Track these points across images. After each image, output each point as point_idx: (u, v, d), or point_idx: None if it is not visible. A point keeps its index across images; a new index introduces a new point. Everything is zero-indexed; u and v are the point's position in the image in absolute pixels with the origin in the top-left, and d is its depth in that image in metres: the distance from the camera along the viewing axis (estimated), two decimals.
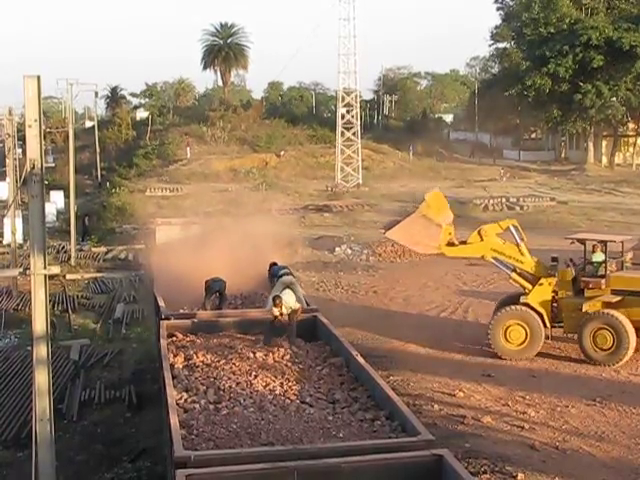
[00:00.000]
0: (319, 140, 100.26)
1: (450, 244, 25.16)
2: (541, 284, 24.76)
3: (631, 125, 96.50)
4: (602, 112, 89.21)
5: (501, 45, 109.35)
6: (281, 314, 19.59)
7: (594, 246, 25.06)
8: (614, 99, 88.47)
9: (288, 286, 20.68)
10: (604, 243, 25.08)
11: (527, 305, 24.48)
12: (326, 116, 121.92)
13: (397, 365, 23.22)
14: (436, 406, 19.65)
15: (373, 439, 13.67)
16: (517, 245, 24.95)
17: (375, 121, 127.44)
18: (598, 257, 24.86)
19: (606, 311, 23.59)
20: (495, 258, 25.10)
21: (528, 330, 24.09)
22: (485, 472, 15.71)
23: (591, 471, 16.27)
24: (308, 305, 21.54)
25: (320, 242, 43.95)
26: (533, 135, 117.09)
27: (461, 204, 60.71)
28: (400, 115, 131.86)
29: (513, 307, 24.71)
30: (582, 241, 25.67)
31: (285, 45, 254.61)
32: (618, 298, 23.78)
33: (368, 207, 61.59)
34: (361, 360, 17.06)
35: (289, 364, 17.92)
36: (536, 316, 24.18)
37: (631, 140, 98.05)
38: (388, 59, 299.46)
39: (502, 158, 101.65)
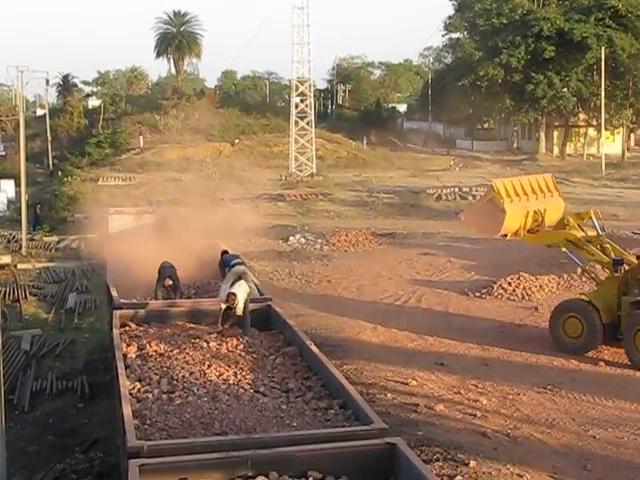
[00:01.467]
0: (273, 129, 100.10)
1: (534, 231, 24.97)
2: (606, 280, 24.02)
3: (582, 116, 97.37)
4: (554, 102, 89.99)
5: (454, 35, 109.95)
6: (234, 310, 19.50)
7: None
8: (565, 90, 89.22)
9: (240, 276, 20.61)
10: None
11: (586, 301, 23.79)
12: (280, 105, 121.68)
13: (351, 354, 23.25)
14: (389, 395, 19.71)
15: (326, 428, 13.70)
16: (598, 236, 24.23)
17: (329, 110, 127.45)
18: None
19: (638, 311, 22.39)
20: (569, 249, 24.64)
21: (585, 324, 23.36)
22: (438, 460, 15.79)
23: (542, 458, 16.42)
24: (262, 294, 21.51)
25: (274, 231, 43.93)
26: (486, 125, 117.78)
27: (414, 193, 61.04)
28: (354, 104, 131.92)
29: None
30: None
31: (239, 34, 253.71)
32: None
33: (322, 196, 61.62)
34: (315, 349, 17.08)
35: (243, 353, 17.90)
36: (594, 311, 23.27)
37: (582, 130, 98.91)
38: (342, 49, 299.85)
39: (455, 148, 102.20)
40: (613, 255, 23.63)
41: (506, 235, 25.47)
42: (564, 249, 24.60)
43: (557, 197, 25.57)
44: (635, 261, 23.26)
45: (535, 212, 24.71)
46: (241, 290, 19.74)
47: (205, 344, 18.24)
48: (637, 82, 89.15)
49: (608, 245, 24.04)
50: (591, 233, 24.42)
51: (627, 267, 23.29)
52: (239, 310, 19.45)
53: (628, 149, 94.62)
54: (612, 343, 23.35)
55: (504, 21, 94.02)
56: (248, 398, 15.16)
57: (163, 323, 20.14)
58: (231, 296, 19.44)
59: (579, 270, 31.40)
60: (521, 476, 15.42)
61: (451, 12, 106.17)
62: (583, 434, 17.65)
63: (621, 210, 53.13)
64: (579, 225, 24.71)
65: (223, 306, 19.50)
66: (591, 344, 23.35)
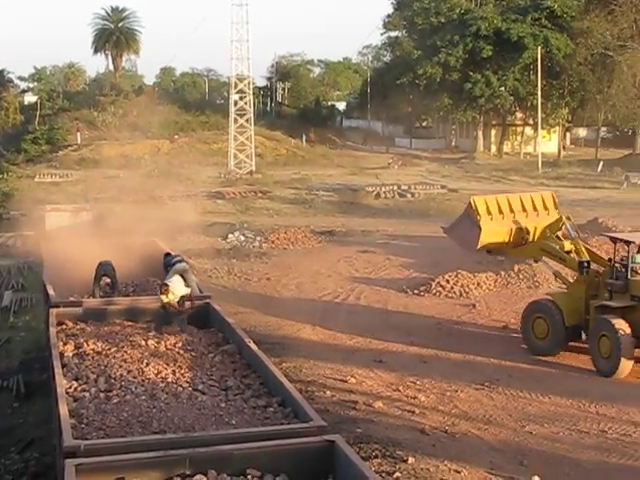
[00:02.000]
0: (212, 127, 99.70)
1: (521, 244, 25.08)
2: (574, 282, 23.96)
3: (519, 114, 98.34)
4: (491, 101, 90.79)
5: (393, 34, 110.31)
6: (169, 301, 19.48)
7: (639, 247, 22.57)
8: (502, 89, 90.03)
9: (181, 273, 20.54)
10: (630, 244, 22.58)
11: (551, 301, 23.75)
12: (219, 102, 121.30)
13: (290, 352, 23.27)
14: (328, 392, 19.75)
15: (265, 426, 13.69)
16: (572, 241, 24.23)
17: (268, 108, 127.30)
18: (638, 259, 22.45)
19: (604, 317, 22.00)
20: (544, 259, 24.91)
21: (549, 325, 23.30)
22: (376, 457, 15.86)
23: (479, 454, 16.56)
24: (201, 292, 21.44)
25: (213, 229, 43.73)
26: (424, 123, 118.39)
27: (353, 191, 61.19)
28: (293, 102, 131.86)
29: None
30: (613, 240, 23.97)
31: (178, 31, 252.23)
32: (617, 303, 22.02)
33: (261, 194, 61.51)
34: (254, 347, 17.06)
35: (181, 351, 17.82)
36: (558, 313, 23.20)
37: (519, 129, 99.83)
38: (281, 46, 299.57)
39: (394, 146, 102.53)
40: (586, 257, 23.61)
41: (489, 251, 26.16)
42: (541, 259, 24.95)
43: (555, 215, 25.37)
44: (607, 264, 23.22)
45: (520, 229, 24.80)
46: (177, 285, 19.72)
47: (143, 342, 18.12)
48: (572, 82, 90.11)
49: (583, 248, 24.09)
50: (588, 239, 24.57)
51: (598, 270, 23.25)
52: (174, 301, 19.47)
53: (564, 148, 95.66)
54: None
55: (442, 20, 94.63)
56: (187, 396, 15.10)
57: (100, 321, 19.97)
58: (163, 287, 19.43)
59: (516, 267, 31.80)
60: (459, 472, 15.54)
61: (390, 11, 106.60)
62: (520, 430, 17.84)
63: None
64: (562, 232, 24.72)
65: (162, 298, 19.49)
66: (555, 346, 23.22)
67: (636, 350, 21.60)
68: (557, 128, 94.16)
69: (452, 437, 17.36)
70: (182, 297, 19.72)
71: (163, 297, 19.51)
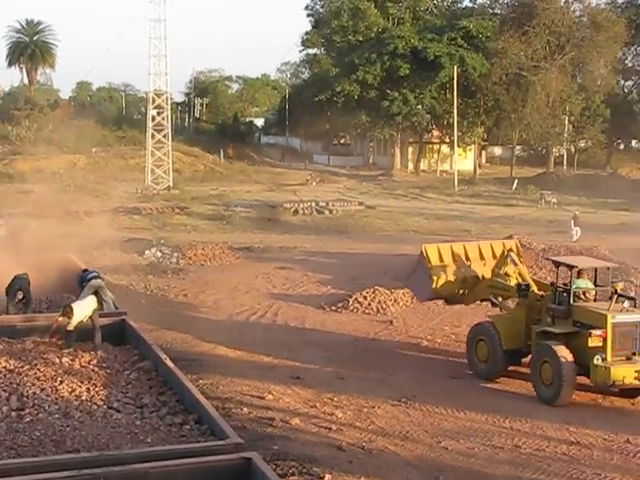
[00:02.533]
0: (129, 142, 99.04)
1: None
2: (515, 306, 23.49)
3: (435, 132, 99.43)
4: (408, 119, 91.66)
5: (312, 51, 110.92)
6: (61, 322, 19.32)
7: (580, 271, 22.22)
8: (420, 107, 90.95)
9: (96, 289, 20.33)
10: (572, 268, 22.25)
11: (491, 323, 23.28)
12: (136, 118, 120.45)
13: (206, 368, 23.10)
14: (245, 409, 19.65)
15: (182, 443, 13.62)
16: (516, 268, 23.89)
17: (186, 124, 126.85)
18: (581, 283, 22.13)
19: (546, 343, 21.46)
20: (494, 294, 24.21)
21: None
22: (293, 474, 15.81)
23: (396, 470, 16.62)
24: (117, 308, 21.24)
25: (129, 245, 43.32)
26: (342, 140, 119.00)
27: (271, 208, 61.18)
28: (211, 118, 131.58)
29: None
30: (556, 264, 23.58)
31: (94, 45, 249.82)
32: (560, 329, 21.52)
33: (179, 210, 61.14)
34: (170, 364, 16.97)
35: (96, 369, 17.63)
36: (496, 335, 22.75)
37: (435, 147, 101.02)
38: (199, 62, 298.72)
39: (312, 163, 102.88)
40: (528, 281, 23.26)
41: (447, 301, 25.67)
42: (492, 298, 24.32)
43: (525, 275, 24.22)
44: (550, 287, 22.90)
45: (476, 277, 24.43)
46: (83, 306, 19.50)
47: (57, 360, 17.89)
48: (488, 101, 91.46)
49: (526, 274, 23.90)
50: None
51: (540, 294, 22.84)
52: (70, 325, 19.24)
53: (480, 166, 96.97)
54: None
55: (360, 38, 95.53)
56: (101, 414, 14.94)
57: (13, 339, 19.66)
58: (66, 308, 19.24)
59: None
60: None
61: (308, 28, 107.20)
62: (436, 446, 17.93)
63: (473, 226, 54.33)
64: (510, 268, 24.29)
65: (60, 319, 19.27)
66: (495, 370, 22.79)
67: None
68: (473, 146, 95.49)
69: (369, 453, 17.39)
70: (89, 316, 19.54)
71: (63, 319, 19.31)
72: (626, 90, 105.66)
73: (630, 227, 48.72)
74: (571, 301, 21.56)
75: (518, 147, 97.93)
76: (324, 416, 19.52)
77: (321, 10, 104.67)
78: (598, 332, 20.45)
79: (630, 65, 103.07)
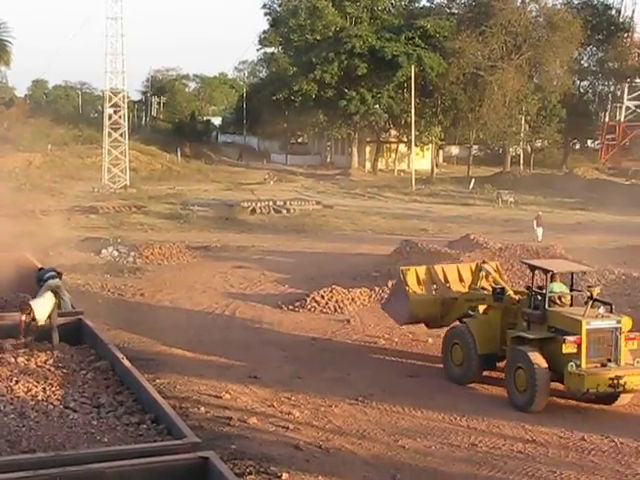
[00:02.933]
0: (85, 140, 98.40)
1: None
2: (490, 310, 22.86)
3: (393, 132, 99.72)
4: (366, 118, 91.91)
5: (269, 50, 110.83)
6: (32, 319, 19.14)
7: (553, 275, 21.88)
8: (377, 106, 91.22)
9: (54, 289, 20.19)
10: (547, 272, 21.89)
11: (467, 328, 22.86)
12: (93, 116, 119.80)
13: (164, 368, 23.02)
14: (202, 408, 19.60)
15: (138, 443, 13.55)
16: (492, 277, 23.61)
17: (143, 122, 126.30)
18: (556, 287, 21.90)
19: (521, 348, 21.07)
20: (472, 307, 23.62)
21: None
22: (250, 473, 15.80)
23: (353, 468, 16.66)
24: (73, 308, 21.11)
25: (86, 244, 43.07)
26: (300, 139, 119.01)
27: (229, 207, 61.08)
28: (168, 117, 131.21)
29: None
30: (531, 268, 23.19)
31: (51, 43, 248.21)
32: (534, 335, 21.10)
33: (135, 209, 60.86)
34: (127, 363, 16.89)
35: (52, 369, 17.51)
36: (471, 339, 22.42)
37: (393, 146, 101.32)
38: (157, 60, 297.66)
39: (270, 162, 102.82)
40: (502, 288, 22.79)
41: (427, 324, 25.06)
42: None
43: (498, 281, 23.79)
44: (526, 291, 22.69)
45: (454, 299, 24.01)
46: (42, 302, 19.35)
47: (13, 359, 17.75)
48: (445, 100, 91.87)
49: (502, 280, 23.71)
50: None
51: (516, 298, 22.58)
52: (40, 320, 19.11)
53: (437, 165, 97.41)
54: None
55: (318, 37, 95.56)
56: (57, 414, 14.84)
57: None
58: (23, 305, 19.11)
59: (389, 283, 32.14)
60: None
61: (266, 27, 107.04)
62: (393, 444, 17.99)
63: (430, 225, 54.58)
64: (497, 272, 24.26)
65: (23, 317, 19.12)
66: (469, 374, 22.48)
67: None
68: (430, 146, 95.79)
69: (326, 452, 17.41)
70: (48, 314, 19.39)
71: (23, 316, 19.16)
72: (582, 90, 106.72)
73: (586, 226, 49.20)
74: (546, 306, 21.25)
75: (475, 146, 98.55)
76: (281, 415, 19.52)
77: (279, 9, 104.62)
78: (572, 338, 20.14)
79: (586, 65, 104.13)
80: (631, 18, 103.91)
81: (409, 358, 24.55)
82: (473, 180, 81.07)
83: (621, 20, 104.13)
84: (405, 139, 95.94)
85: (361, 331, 27.85)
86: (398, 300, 25.09)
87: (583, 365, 20.07)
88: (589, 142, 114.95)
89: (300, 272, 37.04)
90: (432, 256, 36.33)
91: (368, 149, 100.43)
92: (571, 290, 22.25)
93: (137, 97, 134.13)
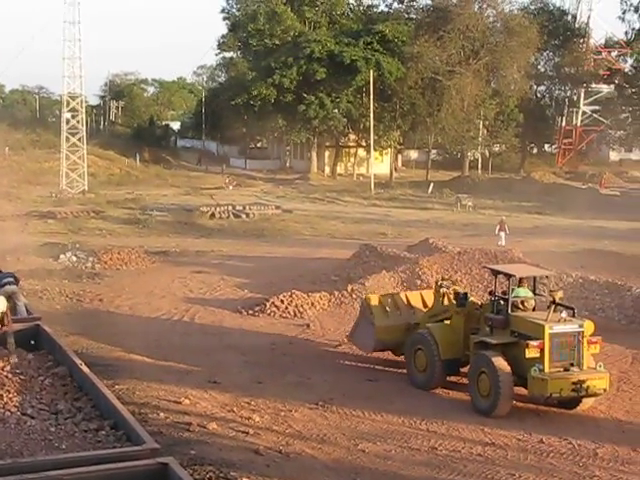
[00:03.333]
0: (43, 145, 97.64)
1: None
2: (454, 315, 22.93)
3: (352, 136, 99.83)
4: (325, 123, 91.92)
5: (228, 55, 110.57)
6: None
7: (520, 279, 22.15)
8: (336, 111, 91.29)
9: (10, 296, 20.05)
10: (510, 277, 22.09)
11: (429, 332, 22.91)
12: (51, 121, 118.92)
13: (123, 374, 22.90)
14: (162, 414, 19.51)
15: (97, 449, 13.47)
16: (452, 288, 23.43)
17: (101, 127, 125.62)
18: (522, 292, 21.97)
19: (484, 353, 21.15)
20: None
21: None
22: (210, 478, 15.74)
23: (313, 473, 16.66)
24: (30, 314, 20.96)
25: (44, 249, 42.75)
26: (259, 144, 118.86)
27: (188, 212, 60.86)
28: (127, 121, 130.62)
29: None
30: (494, 272, 23.46)
31: (7, 47, 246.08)
32: (497, 340, 21.22)
33: (94, 214, 60.48)
34: (85, 369, 16.79)
35: (9, 375, 17.36)
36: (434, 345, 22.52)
37: (352, 151, 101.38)
38: (115, 64, 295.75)
39: (229, 166, 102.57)
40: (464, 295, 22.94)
41: (394, 351, 24.71)
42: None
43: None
44: (488, 297, 22.85)
45: (418, 324, 23.81)
46: None
47: None
48: (404, 105, 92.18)
49: (460, 288, 23.79)
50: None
51: (480, 303, 22.83)
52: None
53: (396, 169, 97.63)
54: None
55: (277, 42, 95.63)
56: (15, 421, 14.72)
57: None
58: None
59: (349, 287, 32.23)
60: None
61: (225, 31, 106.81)
62: (353, 448, 18.01)
63: (389, 229, 54.72)
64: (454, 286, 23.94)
65: None
66: (433, 380, 22.47)
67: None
68: (389, 150, 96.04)
69: (286, 457, 17.40)
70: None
71: None
72: (539, 95, 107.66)
73: (543, 230, 49.56)
74: (509, 311, 21.34)
75: (434, 151, 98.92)
76: (241, 420, 19.49)
77: (237, 13, 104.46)
78: (535, 343, 20.22)
79: (543, 70, 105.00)
80: (587, 24, 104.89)
81: (369, 362, 24.58)
82: (432, 184, 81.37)
83: (577, 26, 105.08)
84: (364, 143, 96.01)
85: (321, 335, 27.89)
86: (363, 329, 24.97)
87: (546, 369, 20.14)
88: (546, 146, 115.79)
89: (259, 277, 37.01)
90: (391, 260, 36.48)
91: (327, 153, 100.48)
92: (534, 294, 22.28)
93: (95, 101, 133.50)
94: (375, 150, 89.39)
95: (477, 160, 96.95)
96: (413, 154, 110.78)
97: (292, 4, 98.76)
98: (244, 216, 59.83)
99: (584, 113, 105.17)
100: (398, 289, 25.52)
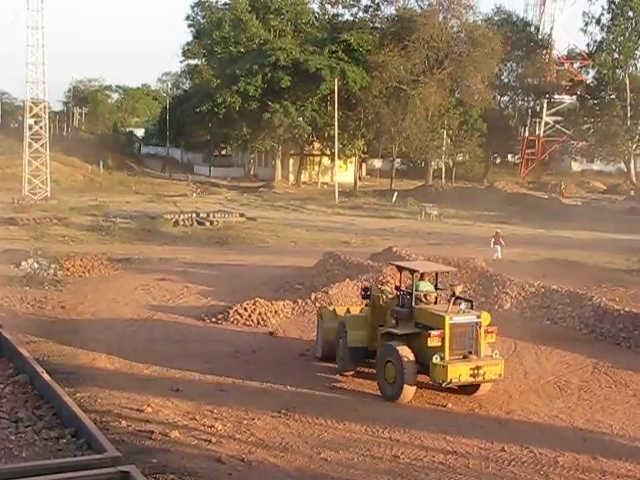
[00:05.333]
0: (5, 151, 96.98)
1: None
2: (366, 308, 24.71)
3: (316, 145, 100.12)
4: (290, 131, 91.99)
5: (193, 62, 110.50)
6: None
7: (422, 274, 23.67)
8: (301, 119, 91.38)
9: None
10: (414, 272, 23.59)
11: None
12: (13, 127, 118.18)
13: (84, 381, 22.75)
14: (124, 422, 19.40)
15: (58, 458, 13.39)
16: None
17: (65, 133, 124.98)
18: (423, 286, 23.48)
19: (390, 343, 22.55)
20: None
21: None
22: None
23: None
24: None
25: (5, 256, 42.46)
26: (224, 152, 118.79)
27: (151, 219, 60.66)
28: (91, 128, 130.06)
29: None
30: (399, 268, 24.88)
31: None
32: (402, 330, 22.57)
33: (57, 220, 60.15)
34: (47, 377, 16.69)
35: None
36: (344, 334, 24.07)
37: (316, 159, 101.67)
38: (79, 71, 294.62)
39: (193, 174, 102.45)
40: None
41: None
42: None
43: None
44: (394, 291, 24.20)
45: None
46: None
47: None
48: (368, 114, 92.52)
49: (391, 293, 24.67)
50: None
51: (383, 297, 24.04)
52: None
53: (360, 178, 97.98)
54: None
55: (242, 50, 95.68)
56: None
57: None
58: None
59: (313, 295, 32.27)
60: None
61: (190, 38, 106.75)
62: (315, 457, 18.00)
63: (353, 237, 54.82)
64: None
65: None
66: (343, 365, 24.18)
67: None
68: (353, 159, 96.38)
69: (249, 465, 17.36)
70: None
71: None
72: (502, 105, 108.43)
73: (506, 239, 49.71)
74: (413, 304, 22.78)
75: (398, 160, 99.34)
76: (204, 428, 19.43)
77: (202, 20, 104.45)
78: (437, 332, 21.67)
79: (506, 81, 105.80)
80: (549, 35, 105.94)
81: (331, 371, 24.59)
82: (396, 193, 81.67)
83: (540, 37, 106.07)
84: (328, 152, 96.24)
85: (284, 343, 27.86)
86: (319, 338, 26.01)
87: (447, 357, 21.68)
88: (509, 156, 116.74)
89: (223, 284, 36.95)
90: (355, 268, 36.53)
91: (292, 162, 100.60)
92: (436, 289, 23.89)
93: (59, 108, 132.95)
94: (339, 159, 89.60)
95: (441, 169, 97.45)
96: (377, 163, 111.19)
97: (257, 12, 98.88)
98: (208, 224, 59.74)
99: (547, 124, 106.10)
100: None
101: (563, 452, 18.55)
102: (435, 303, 23.47)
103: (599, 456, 18.37)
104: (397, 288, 24.13)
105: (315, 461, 17.77)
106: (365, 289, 24.92)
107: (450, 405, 21.74)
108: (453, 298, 22.51)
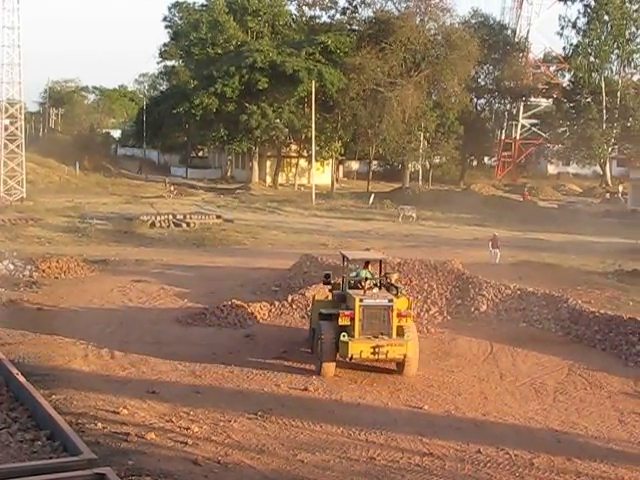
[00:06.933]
0: None
1: None
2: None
3: (293, 146, 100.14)
4: (267, 133, 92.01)
5: (170, 63, 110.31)
6: None
7: (367, 263, 26.49)
8: (278, 121, 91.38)
9: None
10: (345, 258, 26.43)
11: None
12: None
13: (60, 383, 22.66)
14: (99, 424, 19.33)
15: (33, 460, 13.33)
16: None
17: (41, 134, 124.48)
18: (363, 273, 25.88)
19: (320, 322, 24.73)
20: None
21: None
22: None
23: None
24: None
25: None
26: (200, 153, 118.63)
27: (128, 220, 60.47)
28: (67, 129, 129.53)
29: None
30: (343, 257, 26.93)
31: None
32: (327, 311, 24.86)
33: (32, 221, 59.88)
34: (22, 379, 16.63)
35: None
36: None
37: (293, 161, 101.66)
38: (55, 71, 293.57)
39: (170, 175, 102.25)
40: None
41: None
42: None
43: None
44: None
45: None
46: None
47: None
48: (345, 116, 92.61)
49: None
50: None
51: (333, 282, 26.45)
52: None
53: (337, 180, 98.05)
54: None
55: (219, 51, 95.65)
56: None
57: None
58: None
59: (289, 297, 32.28)
60: None
61: (167, 39, 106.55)
62: (292, 459, 17.99)
63: (330, 239, 54.83)
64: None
65: None
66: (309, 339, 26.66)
67: None
68: (330, 161, 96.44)
69: (225, 467, 17.34)
70: None
71: None
72: (479, 108, 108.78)
73: (482, 242, 49.87)
74: (345, 288, 25.12)
75: (375, 162, 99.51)
76: (180, 430, 19.38)
77: (180, 22, 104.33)
78: (347, 312, 23.94)
79: (483, 83, 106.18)
80: (526, 38, 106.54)
81: (308, 373, 24.60)
82: (373, 195, 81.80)
83: (516, 40, 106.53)
84: (306, 154, 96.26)
85: (261, 345, 27.84)
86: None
87: (356, 336, 23.71)
88: (486, 159, 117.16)
89: (200, 286, 36.90)
90: (332, 270, 36.45)
91: (269, 163, 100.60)
92: (380, 276, 26.01)
93: (35, 108, 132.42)
94: (316, 161, 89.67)
95: (418, 172, 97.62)
96: (354, 165, 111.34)
97: (235, 14, 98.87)
98: (185, 225, 59.62)
99: (523, 126, 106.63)
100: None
101: (538, 453, 18.62)
102: (371, 289, 25.05)
103: (574, 457, 18.46)
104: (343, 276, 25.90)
105: (291, 463, 17.77)
106: (327, 275, 26.47)
107: (426, 407, 21.79)
108: (380, 284, 25.36)
